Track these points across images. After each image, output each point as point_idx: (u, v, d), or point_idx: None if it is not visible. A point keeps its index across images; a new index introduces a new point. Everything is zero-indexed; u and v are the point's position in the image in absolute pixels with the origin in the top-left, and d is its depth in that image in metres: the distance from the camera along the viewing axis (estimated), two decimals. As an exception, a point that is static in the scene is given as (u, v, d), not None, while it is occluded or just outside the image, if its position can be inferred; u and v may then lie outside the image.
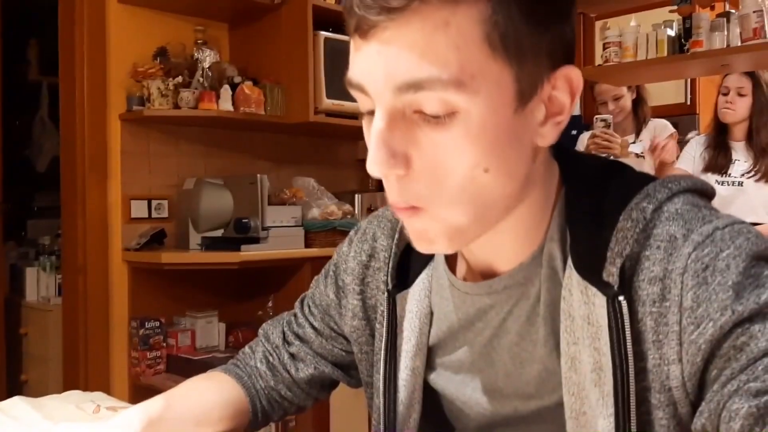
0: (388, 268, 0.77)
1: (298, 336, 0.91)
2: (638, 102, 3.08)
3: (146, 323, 2.61)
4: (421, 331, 0.74)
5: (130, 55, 2.66)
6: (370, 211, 3.21)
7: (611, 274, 0.60)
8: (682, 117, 4.10)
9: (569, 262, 0.63)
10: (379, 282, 0.80)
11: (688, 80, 4.20)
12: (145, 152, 2.73)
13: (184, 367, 2.61)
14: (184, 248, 2.69)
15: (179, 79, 2.61)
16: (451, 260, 0.73)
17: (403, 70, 0.54)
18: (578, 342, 0.62)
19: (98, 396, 1.13)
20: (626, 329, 0.59)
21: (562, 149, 0.68)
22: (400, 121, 0.57)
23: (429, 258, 0.75)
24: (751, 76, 2.79)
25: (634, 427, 0.59)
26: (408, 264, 0.76)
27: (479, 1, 0.54)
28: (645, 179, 0.65)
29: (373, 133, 0.57)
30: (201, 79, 2.65)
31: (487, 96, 0.56)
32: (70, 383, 2.55)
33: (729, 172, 2.84)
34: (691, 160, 2.96)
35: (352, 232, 0.88)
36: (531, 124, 0.60)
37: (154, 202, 2.72)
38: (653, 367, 0.59)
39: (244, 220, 2.57)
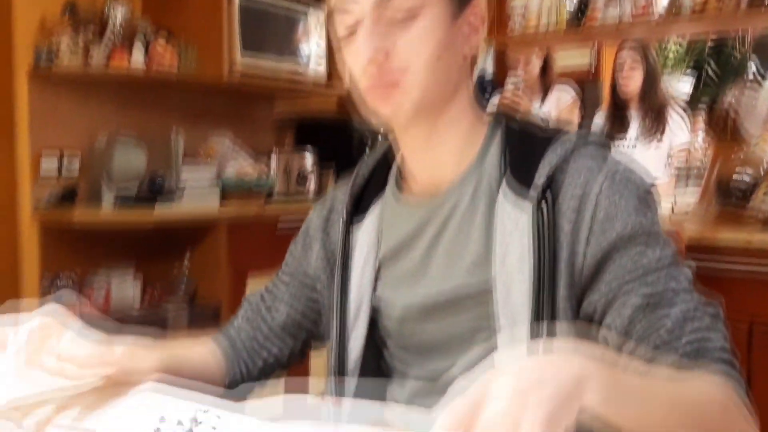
0: (345, 204, 0.96)
1: (272, 293, 1.03)
2: (545, 68, 3.34)
3: (58, 279, 2.60)
4: (368, 253, 0.92)
5: (37, 8, 2.60)
6: (285, 171, 3.26)
7: (537, 187, 0.81)
8: (587, 83, 4.31)
9: (504, 177, 0.84)
10: (338, 229, 0.97)
11: (594, 48, 4.40)
12: (54, 109, 2.68)
13: (99, 324, 2.62)
14: (96, 206, 2.68)
15: (89, 35, 2.57)
16: (400, 186, 0.93)
17: None
18: (508, 243, 0.81)
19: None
20: (545, 230, 0.79)
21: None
22: (379, 25, 0.80)
23: (380, 192, 0.95)
24: (641, 49, 3.05)
25: (545, 310, 0.78)
26: (361, 203, 0.96)
27: None
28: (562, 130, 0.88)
29: (363, 33, 0.81)
30: (112, 36, 2.61)
31: (436, 7, 0.82)
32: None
33: (625, 137, 3.11)
34: None
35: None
36: (460, 35, 0.84)
37: (65, 160, 2.68)
38: (564, 264, 0.79)
39: (158, 178, 2.58)
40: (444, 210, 0.87)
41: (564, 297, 0.80)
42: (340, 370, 0.95)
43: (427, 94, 0.83)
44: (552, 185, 0.81)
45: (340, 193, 1.00)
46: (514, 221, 0.81)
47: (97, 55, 2.54)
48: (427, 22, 0.82)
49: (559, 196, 0.81)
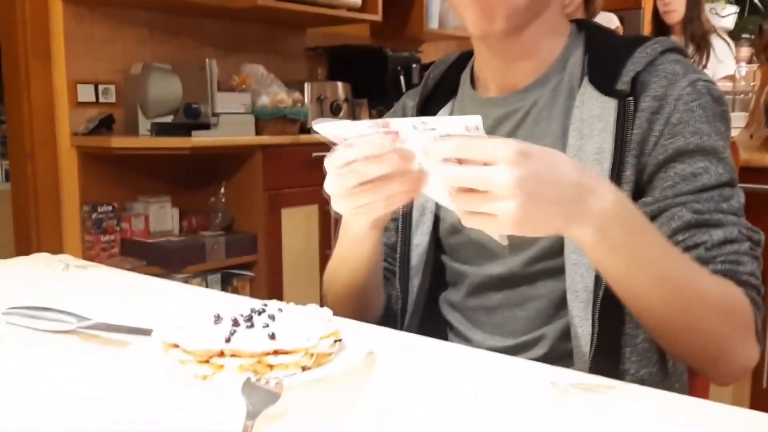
0: (415, 107, 1.00)
1: None
2: None
3: (98, 207, 2.65)
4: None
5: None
6: (319, 100, 3.23)
7: (625, 83, 0.83)
8: (627, 11, 4.17)
9: (585, 78, 0.86)
10: None
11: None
12: (89, 36, 2.67)
13: (139, 251, 2.68)
14: (133, 134, 2.70)
15: (122, -42, 2.54)
16: (474, 87, 0.97)
17: None
18: (584, 137, 0.84)
19: (65, 257, 1.20)
20: (628, 125, 0.81)
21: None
22: None
23: (450, 97, 0.98)
24: None
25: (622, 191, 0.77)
26: (430, 107, 0.99)
27: None
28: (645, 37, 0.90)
29: None
30: (145, -40, 2.57)
31: None
32: (25, 267, 2.60)
33: None
34: None
35: None
36: None
37: (101, 87, 2.69)
38: (634, 157, 0.81)
39: (194, 106, 2.58)
40: (523, 106, 0.90)
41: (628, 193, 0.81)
42: (404, 272, 0.96)
43: (523, 9, 0.84)
44: (635, 86, 0.83)
45: (409, 100, 1.04)
46: (597, 115, 0.83)
47: (131, -20, 2.51)
48: None
49: (641, 96, 0.82)
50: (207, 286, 2.79)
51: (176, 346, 0.64)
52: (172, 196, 2.87)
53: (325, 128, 0.67)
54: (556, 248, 0.85)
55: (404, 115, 1.02)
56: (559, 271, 0.85)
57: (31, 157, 2.61)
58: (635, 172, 0.81)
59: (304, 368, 0.64)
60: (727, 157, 0.81)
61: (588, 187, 0.65)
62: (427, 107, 1.00)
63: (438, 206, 0.95)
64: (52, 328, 0.78)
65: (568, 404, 0.59)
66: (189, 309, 0.75)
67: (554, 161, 0.64)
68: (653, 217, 0.80)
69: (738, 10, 4.72)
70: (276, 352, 0.63)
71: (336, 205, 0.73)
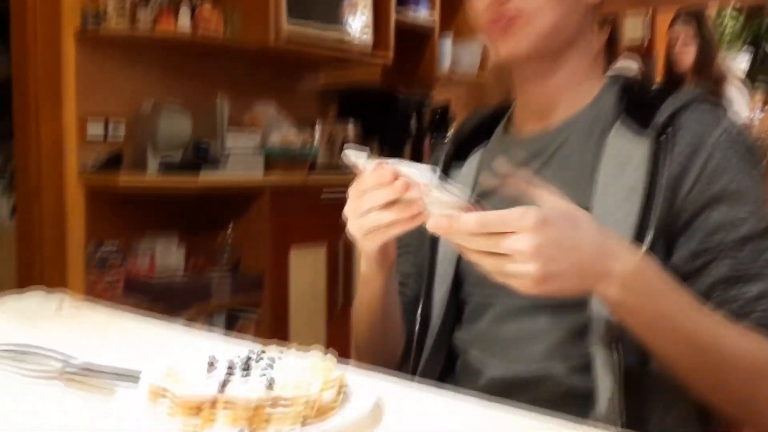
0: (446, 151, 1.02)
1: (398, 272, 1.03)
2: (611, 38, 3.18)
3: (103, 245, 2.61)
4: (465, 185, 0.95)
5: (84, -30, 2.58)
6: (330, 141, 3.21)
7: (657, 125, 0.81)
8: (641, 56, 4.16)
9: (619, 117, 0.85)
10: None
11: (647, 17, 4.26)
12: (100, 73, 2.66)
13: (143, 289, 2.62)
14: (142, 171, 2.67)
15: (136, -4, 2.55)
16: (508, 129, 0.98)
17: None
18: (615, 176, 0.81)
19: (60, 294, 1.15)
20: (661, 164, 0.79)
21: None
22: None
23: (483, 142, 1.00)
24: (695, 22, 2.91)
25: (650, 234, 0.77)
26: (462, 152, 1.01)
27: None
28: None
29: None
30: (159, -1, 2.58)
31: None
32: (26, 304, 2.55)
33: None
34: None
35: None
36: None
37: (110, 124, 2.68)
38: (665, 200, 0.78)
39: (203, 144, 2.56)
40: (553, 143, 0.89)
41: (657, 242, 0.78)
42: (424, 315, 0.96)
43: (546, 32, 0.85)
44: (671, 126, 0.81)
45: (439, 152, 1.04)
46: (628, 154, 0.82)
47: (144, 18, 2.51)
48: None
49: (676, 136, 0.81)
50: (212, 325, 2.73)
51: (164, 394, 0.58)
52: (179, 235, 2.83)
53: (352, 154, 0.76)
54: None
55: (435, 169, 1.03)
56: (583, 304, 0.80)
57: (38, 193, 2.58)
58: (666, 215, 0.79)
59: (304, 420, 0.58)
60: (763, 206, 0.80)
61: (609, 250, 0.68)
62: (460, 153, 1.01)
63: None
64: (36, 374, 0.73)
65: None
66: (184, 352, 0.70)
67: (575, 225, 0.67)
68: (690, 272, 0.78)
69: (752, 55, 4.72)
70: (274, 403, 0.57)
71: (349, 226, 0.80)
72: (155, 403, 0.59)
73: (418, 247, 1.01)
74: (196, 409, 0.57)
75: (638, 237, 0.78)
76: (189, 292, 2.65)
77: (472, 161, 0.99)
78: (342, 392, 0.62)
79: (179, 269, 2.81)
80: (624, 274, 0.67)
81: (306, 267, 2.85)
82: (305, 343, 0.75)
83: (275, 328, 2.76)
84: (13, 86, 2.64)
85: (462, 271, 0.95)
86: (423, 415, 0.65)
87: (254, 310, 2.79)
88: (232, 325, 2.79)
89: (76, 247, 2.66)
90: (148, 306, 2.56)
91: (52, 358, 0.74)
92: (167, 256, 2.78)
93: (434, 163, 1.03)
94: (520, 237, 0.64)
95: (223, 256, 2.84)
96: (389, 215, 0.75)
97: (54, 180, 2.59)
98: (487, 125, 1.02)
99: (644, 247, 0.77)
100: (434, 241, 0.97)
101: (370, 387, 0.66)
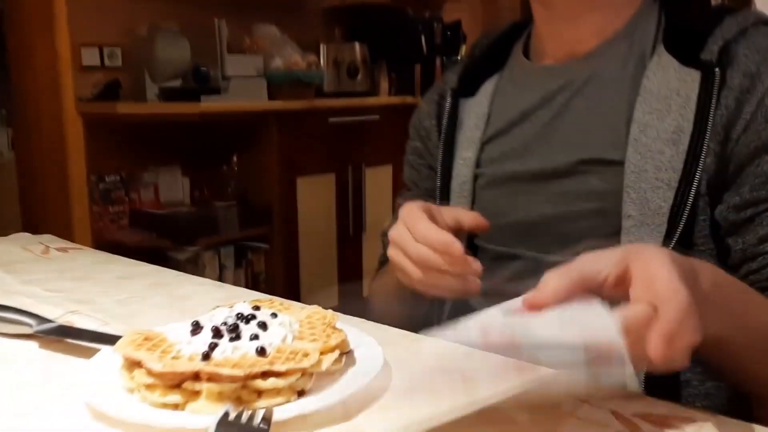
0: (455, 79, 0.90)
1: None
2: None
3: (106, 177, 2.54)
4: (476, 126, 0.85)
5: None
6: (336, 63, 3.07)
7: (711, 53, 0.70)
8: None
9: (660, 45, 0.74)
10: (446, 107, 0.90)
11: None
12: (93, -3, 2.53)
13: (148, 223, 2.57)
14: (141, 100, 2.57)
15: None
16: (528, 56, 0.86)
17: None
18: (656, 112, 0.70)
19: (47, 238, 1.08)
20: (713, 101, 0.68)
21: None
22: None
23: (496, 71, 0.88)
24: None
25: (696, 179, 0.68)
26: (474, 80, 0.89)
27: None
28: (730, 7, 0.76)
29: None
30: None
31: None
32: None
33: None
34: None
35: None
36: None
37: (106, 50, 2.56)
38: (717, 144, 0.68)
39: (202, 69, 2.45)
40: (581, 76, 0.78)
41: (702, 194, 0.69)
42: None
43: None
44: (723, 58, 0.70)
45: (451, 73, 0.93)
46: (674, 88, 0.70)
47: (134, -65, 2.35)
48: None
49: (728, 71, 0.69)
50: (220, 259, 2.68)
51: (140, 365, 0.51)
52: (183, 166, 2.75)
53: None
54: (614, 239, 0.72)
55: (444, 92, 0.92)
56: None
57: (36, 125, 2.49)
58: (717, 161, 0.68)
59: (301, 393, 0.51)
60: None
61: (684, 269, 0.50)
62: (472, 80, 0.89)
63: (475, 186, 0.85)
64: (8, 331, 0.66)
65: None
66: (174, 306, 0.62)
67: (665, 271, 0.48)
68: (738, 223, 0.69)
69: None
70: (265, 374, 0.50)
71: (393, 253, 0.72)
72: (131, 375, 0.51)
73: (427, 193, 0.92)
74: (178, 382, 0.50)
75: (683, 187, 0.68)
76: (195, 224, 2.59)
77: (487, 88, 0.88)
78: (344, 357, 0.55)
79: (185, 202, 2.74)
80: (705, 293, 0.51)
81: (315, 196, 2.77)
82: (317, 274, 0.67)
83: (285, 261, 2.71)
84: (5, 15, 2.51)
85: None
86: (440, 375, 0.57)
87: (263, 242, 2.73)
88: (242, 258, 2.74)
89: (78, 179, 2.58)
90: (154, 240, 2.51)
91: (26, 316, 0.67)
92: (172, 188, 2.71)
93: (444, 87, 0.92)
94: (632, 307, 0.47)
95: (228, 188, 2.76)
96: (449, 282, 0.67)
97: (51, 111, 2.50)
98: (500, 49, 0.90)
99: (690, 200, 0.68)
100: (445, 191, 0.88)
101: (376, 348, 0.58)
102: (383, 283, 0.91)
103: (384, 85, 3.26)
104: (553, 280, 0.48)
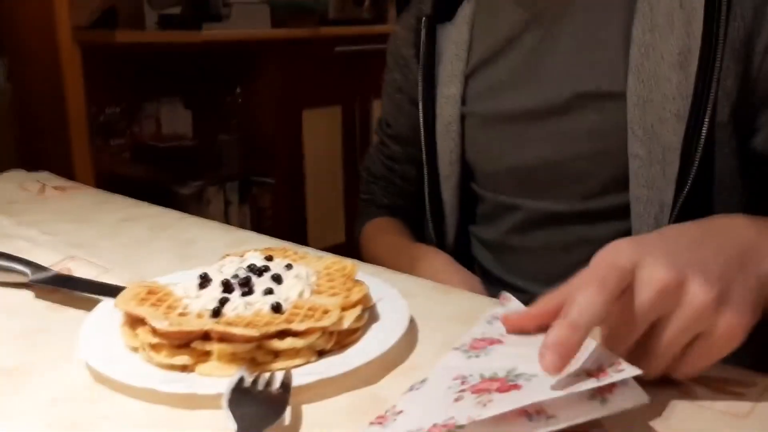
0: (430, 2, 0.80)
1: (392, 158, 0.91)
2: None
3: (106, 109, 2.46)
4: (457, 56, 0.76)
5: None
6: (342, -11, 2.94)
7: None
8: None
9: None
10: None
11: None
12: None
13: (150, 157, 2.51)
14: (139, 28, 2.47)
15: None
16: None
17: None
18: (656, 30, 0.61)
19: (44, 176, 1.02)
20: (722, 15, 0.58)
21: None
22: None
23: None
24: None
25: (709, 106, 0.59)
26: (452, 1, 0.79)
27: None
28: None
29: None
30: None
31: None
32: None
33: None
34: None
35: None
36: None
37: (100, -25, 2.44)
38: (737, 62, 0.59)
39: (202, -5, 2.34)
40: None
41: (723, 123, 0.60)
42: (435, 209, 0.78)
43: None
44: None
45: (420, 2, 0.83)
46: (675, 4, 0.61)
47: None
48: None
49: None
50: (225, 195, 2.63)
51: (144, 322, 0.46)
52: (185, 99, 2.67)
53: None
54: (621, 181, 0.66)
55: (419, 18, 0.82)
56: (624, 211, 0.66)
57: (32, 55, 2.40)
58: (740, 83, 0.59)
59: (321, 353, 0.46)
60: None
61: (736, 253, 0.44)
62: (448, 2, 0.79)
63: (463, 126, 0.77)
64: (2, 279, 0.62)
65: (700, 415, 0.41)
66: (176, 253, 0.57)
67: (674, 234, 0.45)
68: None
69: None
70: (282, 333, 0.45)
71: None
72: (134, 333, 0.47)
73: (413, 140, 0.84)
74: (186, 341, 0.45)
75: (696, 117, 0.60)
76: (199, 157, 2.53)
77: (465, 10, 0.78)
78: (366, 312, 0.50)
79: (187, 134, 2.67)
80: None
81: (320, 129, 2.70)
82: (323, 211, 0.61)
83: (291, 196, 2.66)
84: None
85: (471, 162, 0.79)
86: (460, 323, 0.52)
87: (268, 176, 2.67)
88: (247, 193, 2.69)
89: (77, 111, 2.50)
90: (158, 174, 2.45)
91: (21, 264, 0.62)
92: (173, 120, 2.64)
93: (417, 15, 0.82)
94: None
95: (231, 121, 2.69)
96: None
97: (47, 39, 2.40)
98: None
99: (704, 132, 0.60)
100: (429, 132, 0.80)
101: (401, 302, 0.53)
102: (386, 247, 0.86)
103: (392, 12, 3.14)
104: (539, 304, 0.44)
